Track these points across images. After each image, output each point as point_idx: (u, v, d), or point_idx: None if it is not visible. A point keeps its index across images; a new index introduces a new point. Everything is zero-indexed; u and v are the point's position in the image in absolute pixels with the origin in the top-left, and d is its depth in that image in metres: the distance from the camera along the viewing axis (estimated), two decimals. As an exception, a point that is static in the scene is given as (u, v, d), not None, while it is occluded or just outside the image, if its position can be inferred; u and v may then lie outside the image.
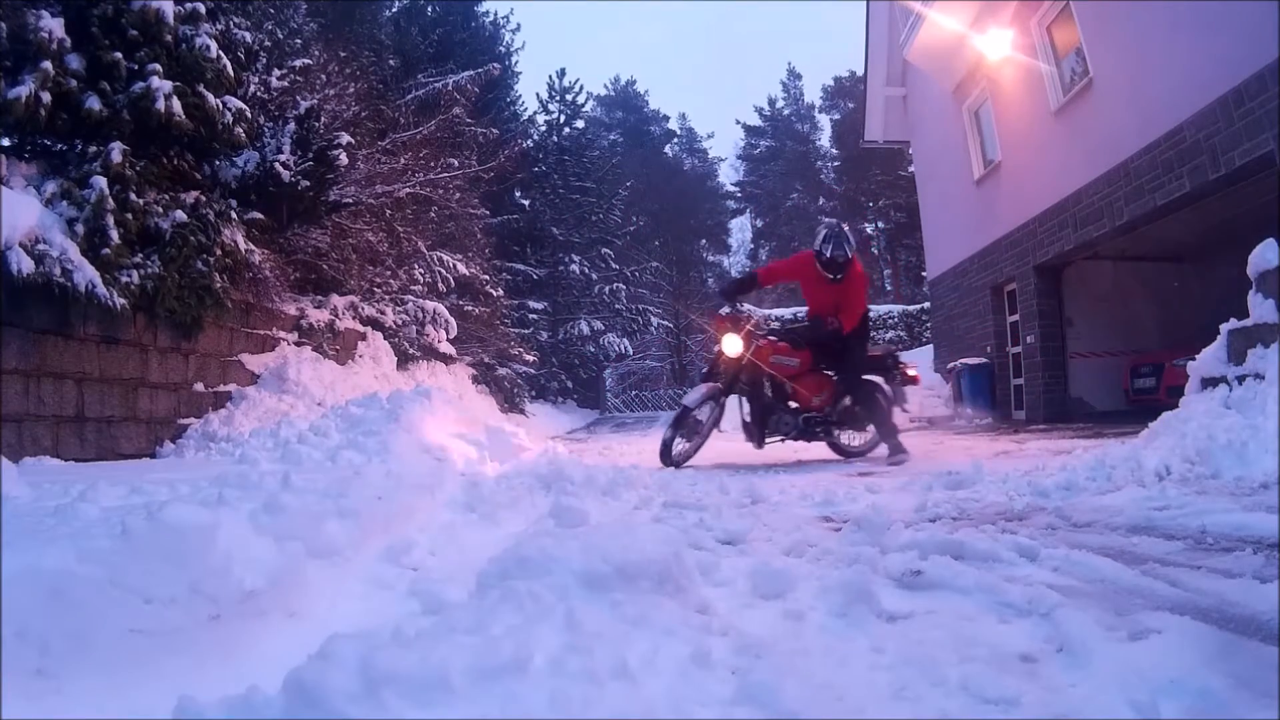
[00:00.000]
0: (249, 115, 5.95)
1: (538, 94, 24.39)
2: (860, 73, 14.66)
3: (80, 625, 1.05)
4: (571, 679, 0.94)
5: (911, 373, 5.46)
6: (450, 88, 11.42)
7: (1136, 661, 1.04)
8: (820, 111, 37.56)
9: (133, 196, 4.97)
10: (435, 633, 1.08)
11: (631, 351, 22.93)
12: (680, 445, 5.11)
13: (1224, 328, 3.42)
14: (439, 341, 9.66)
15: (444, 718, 0.87)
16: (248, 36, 6.35)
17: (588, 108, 26.47)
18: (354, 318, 8.05)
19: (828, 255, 5.12)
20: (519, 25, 21.25)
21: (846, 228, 5.35)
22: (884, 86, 12.86)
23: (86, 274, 4.45)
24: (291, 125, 6.47)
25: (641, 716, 0.91)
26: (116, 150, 4.88)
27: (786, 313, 16.77)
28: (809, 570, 1.70)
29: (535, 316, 18.65)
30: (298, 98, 6.82)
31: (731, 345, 5.08)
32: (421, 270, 10.08)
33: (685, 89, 77.14)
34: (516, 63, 21.25)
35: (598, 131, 31.73)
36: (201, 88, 5.43)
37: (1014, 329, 9.71)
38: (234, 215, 5.80)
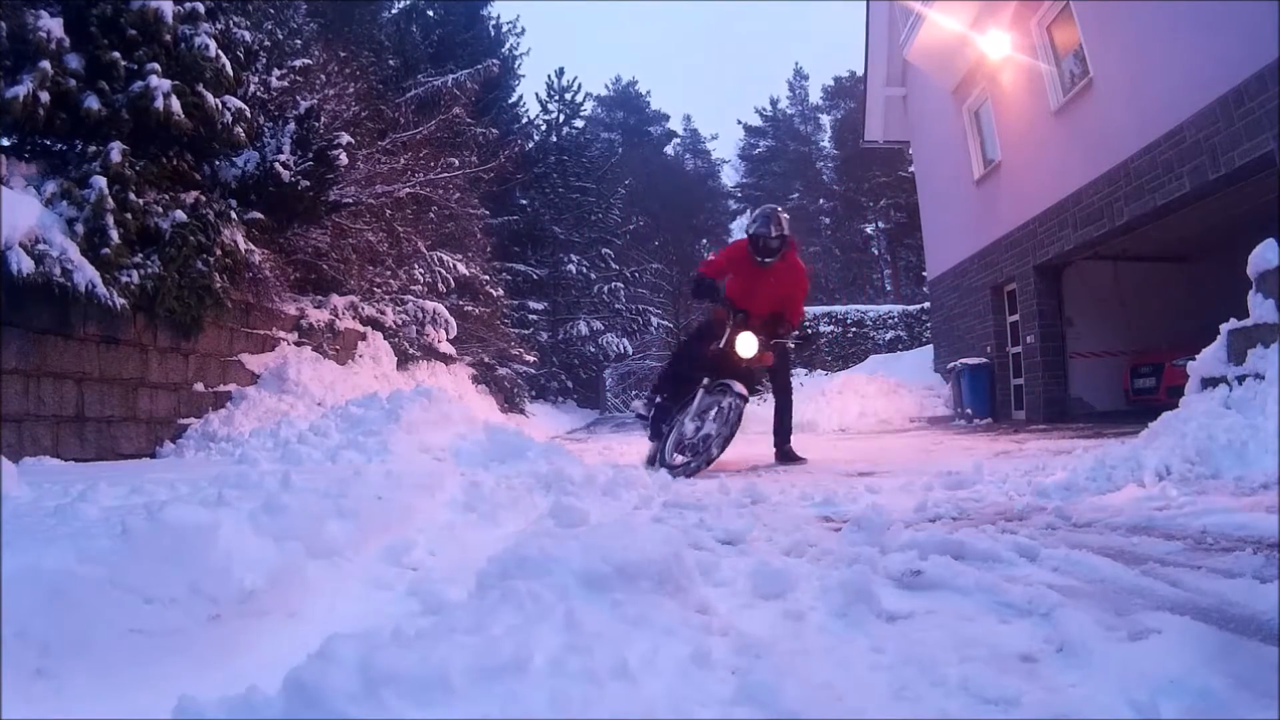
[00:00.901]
0: (248, 115, 5.95)
1: (537, 94, 24.45)
2: (860, 73, 14.67)
3: (80, 625, 1.05)
4: (571, 679, 0.94)
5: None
6: (450, 85, 11.41)
7: (1136, 661, 1.04)
8: (821, 112, 37.62)
9: (132, 196, 4.97)
10: (435, 633, 1.08)
11: (631, 351, 22.94)
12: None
13: (1224, 328, 3.42)
14: (439, 341, 9.66)
15: (444, 718, 0.86)
16: (247, 36, 6.35)
17: (588, 108, 26.52)
18: (354, 318, 8.05)
19: (751, 232, 4.86)
20: (524, 30, 21.29)
21: (783, 212, 5.03)
22: (884, 86, 12.87)
23: (86, 274, 4.45)
24: (291, 125, 6.47)
25: (641, 716, 0.91)
26: (116, 150, 4.88)
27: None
28: (809, 570, 1.70)
29: (535, 317, 18.65)
30: (298, 98, 6.82)
31: (748, 346, 4.57)
32: (421, 270, 10.08)
33: (689, 90, 77.26)
34: (520, 65, 21.28)
35: (598, 131, 31.75)
36: (201, 87, 5.43)
37: (1014, 329, 9.71)
38: (234, 215, 5.80)
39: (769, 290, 4.86)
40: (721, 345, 4.59)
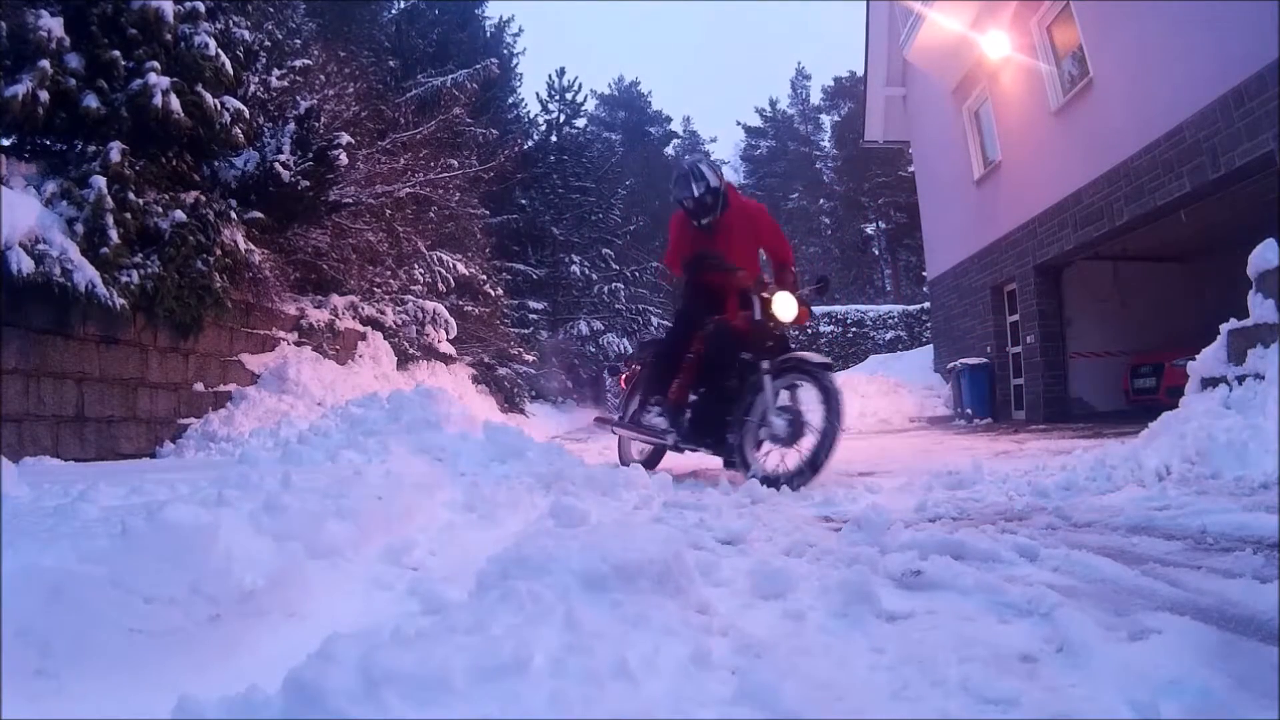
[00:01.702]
0: (247, 115, 5.96)
1: (537, 93, 24.50)
2: (860, 73, 14.67)
3: (80, 625, 1.05)
4: (571, 679, 0.94)
5: None
6: (449, 85, 11.41)
7: (1136, 661, 1.04)
8: (821, 112, 37.64)
9: (132, 196, 4.98)
10: (435, 633, 1.08)
11: (631, 351, 22.92)
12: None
13: (1224, 328, 3.42)
14: (439, 341, 9.67)
15: (444, 718, 0.86)
16: (247, 36, 6.36)
17: (589, 107, 26.50)
18: (354, 318, 8.06)
19: (674, 200, 4.23)
20: (520, 29, 21.36)
21: (701, 162, 4.29)
22: (884, 86, 12.87)
23: (86, 274, 4.46)
24: (291, 125, 6.47)
25: (641, 716, 0.91)
26: (115, 150, 4.89)
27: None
28: (809, 570, 1.70)
29: (535, 316, 18.64)
30: (297, 98, 6.82)
31: (788, 306, 3.76)
32: (421, 270, 10.09)
33: (689, 90, 77.35)
34: (517, 65, 21.32)
35: (599, 131, 31.76)
36: (200, 87, 5.43)
37: (1014, 329, 9.71)
38: (234, 215, 5.80)
39: (736, 248, 4.13)
40: (758, 314, 3.79)
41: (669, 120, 38.52)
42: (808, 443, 3.57)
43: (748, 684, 0.98)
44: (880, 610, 1.37)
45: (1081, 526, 2.18)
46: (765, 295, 3.78)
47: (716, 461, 4.14)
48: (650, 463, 4.54)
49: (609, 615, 1.19)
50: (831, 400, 3.56)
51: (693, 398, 4.01)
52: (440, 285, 10.35)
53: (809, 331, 18.58)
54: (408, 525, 2.02)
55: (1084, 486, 2.74)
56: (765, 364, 3.66)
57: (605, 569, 1.29)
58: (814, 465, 3.48)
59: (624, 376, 4.88)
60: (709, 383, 3.95)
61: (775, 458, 3.68)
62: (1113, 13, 7.06)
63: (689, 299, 4.23)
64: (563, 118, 23.41)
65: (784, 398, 3.70)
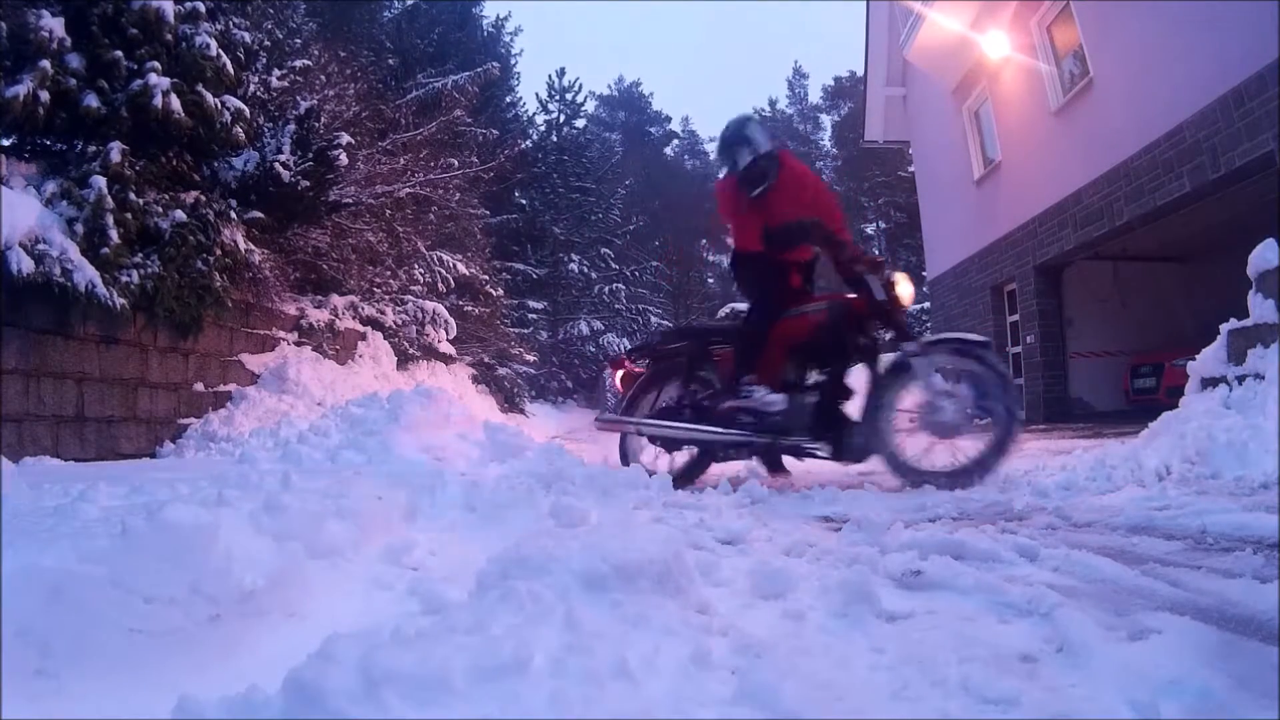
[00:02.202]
0: (247, 115, 5.96)
1: (537, 94, 24.54)
2: (860, 73, 14.68)
3: (80, 625, 1.05)
4: (571, 679, 0.94)
5: None
6: (450, 88, 11.41)
7: (1136, 661, 1.04)
8: (820, 111, 37.71)
9: (132, 196, 4.98)
10: (435, 632, 1.08)
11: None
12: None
13: (1224, 328, 3.41)
14: (439, 341, 9.67)
15: (444, 718, 0.86)
16: (247, 36, 6.36)
17: (589, 107, 26.52)
18: (354, 318, 8.06)
19: (725, 177, 3.81)
20: (519, 28, 21.41)
21: (751, 123, 3.77)
22: (884, 86, 12.88)
23: (86, 274, 4.46)
24: (291, 125, 6.47)
25: (641, 716, 0.91)
26: (115, 150, 4.89)
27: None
28: (809, 570, 1.70)
29: (535, 316, 18.64)
30: (297, 98, 6.82)
31: (908, 288, 3.48)
32: (421, 270, 10.09)
33: (688, 90, 77.33)
34: (516, 65, 21.37)
35: (599, 131, 31.79)
36: (200, 87, 5.43)
37: (1014, 329, 9.72)
38: (234, 215, 5.80)
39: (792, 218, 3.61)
40: (878, 294, 3.40)
41: (669, 120, 38.61)
42: (973, 435, 3.18)
43: (748, 684, 0.98)
44: (880, 610, 1.37)
45: (1081, 526, 2.18)
46: (885, 278, 3.43)
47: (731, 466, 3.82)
48: (689, 475, 3.79)
49: (609, 615, 1.19)
50: (1006, 383, 3.18)
51: (818, 379, 3.55)
52: (440, 285, 10.35)
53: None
54: (408, 525, 2.02)
55: (1084, 486, 2.74)
56: (911, 346, 3.29)
57: (605, 569, 1.28)
58: (996, 457, 3.10)
59: (621, 374, 4.34)
60: (830, 368, 3.53)
61: (924, 452, 3.25)
62: (1113, 13, 7.06)
63: (774, 276, 3.69)
64: (562, 118, 23.41)
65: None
